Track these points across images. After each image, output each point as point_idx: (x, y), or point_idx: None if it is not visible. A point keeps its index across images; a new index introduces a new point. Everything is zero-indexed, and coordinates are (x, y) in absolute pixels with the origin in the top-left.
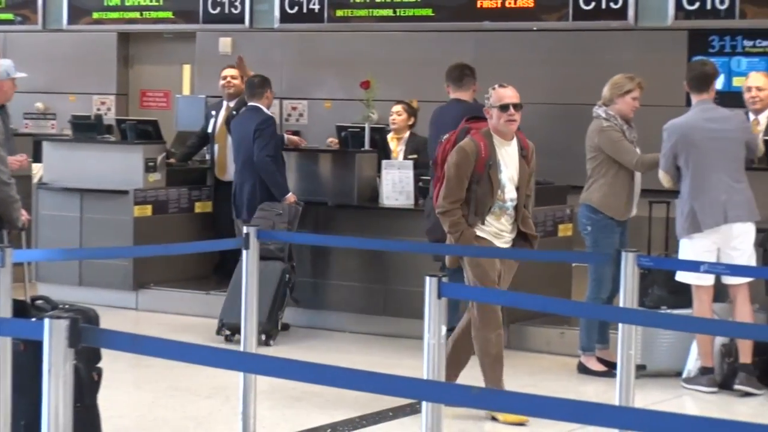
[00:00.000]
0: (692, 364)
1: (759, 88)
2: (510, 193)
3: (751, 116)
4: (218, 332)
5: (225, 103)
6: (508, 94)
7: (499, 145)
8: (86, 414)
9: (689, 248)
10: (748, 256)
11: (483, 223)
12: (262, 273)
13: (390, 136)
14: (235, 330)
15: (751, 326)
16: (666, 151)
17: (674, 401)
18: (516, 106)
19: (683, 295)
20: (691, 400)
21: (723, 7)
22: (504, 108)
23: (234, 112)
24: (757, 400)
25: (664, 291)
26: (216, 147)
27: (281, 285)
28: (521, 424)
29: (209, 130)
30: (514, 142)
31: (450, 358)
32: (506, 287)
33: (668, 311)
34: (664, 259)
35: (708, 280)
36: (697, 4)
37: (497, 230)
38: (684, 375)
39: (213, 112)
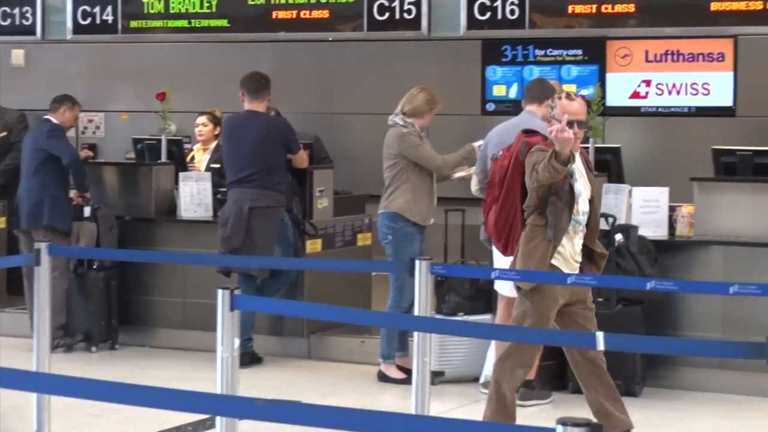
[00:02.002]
0: (489, 370)
1: None
2: (584, 206)
3: None
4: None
5: None
6: (574, 109)
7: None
8: None
9: (498, 255)
10: None
11: (559, 243)
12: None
13: (197, 147)
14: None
15: (542, 332)
16: (479, 154)
17: (471, 407)
18: (580, 124)
19: (480, 301)
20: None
21: (514, 18)
22: (570, 124)
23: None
24: (550, 403)
25: (461, 298)
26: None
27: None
28: None
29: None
30: (577, 154)
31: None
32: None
33: (465, 318)
34: (458, 267)
35: (511, 291)
36: (488, 15)
37: (572, 253)
38: (481, 380)
39: None
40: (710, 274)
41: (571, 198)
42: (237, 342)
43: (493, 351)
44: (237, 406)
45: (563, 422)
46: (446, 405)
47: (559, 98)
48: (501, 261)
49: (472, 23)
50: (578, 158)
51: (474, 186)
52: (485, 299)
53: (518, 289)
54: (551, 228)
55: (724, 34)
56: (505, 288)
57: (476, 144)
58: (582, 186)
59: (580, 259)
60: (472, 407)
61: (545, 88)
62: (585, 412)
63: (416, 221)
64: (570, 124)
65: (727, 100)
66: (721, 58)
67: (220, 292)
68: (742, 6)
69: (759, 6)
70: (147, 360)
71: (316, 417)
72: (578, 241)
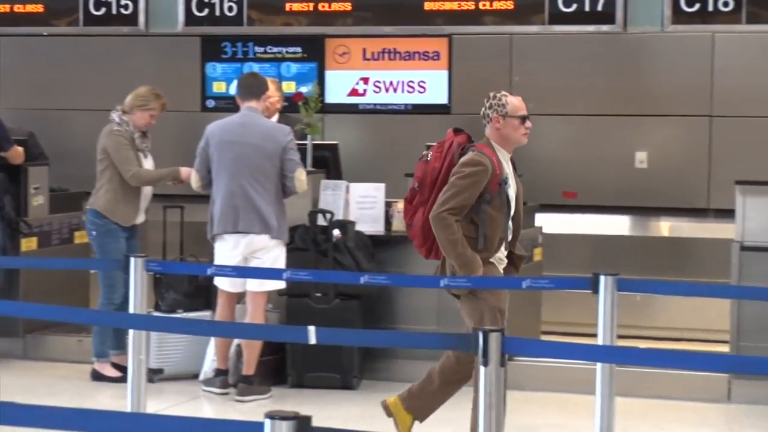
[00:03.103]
0: (208, 366)
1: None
2: (512, 212)
3: None
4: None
5: None
6: (522, 105)
7: (503, 160)
8: None
9: (217, 251)
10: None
11: (491, 255)
12: None
13: None
14: None
15: (260, 327)
16: (199, 151)
17: (190, 404)
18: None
19: (199, 298)
20: (207, 402)
21: (232, 14)
22: (524, 119)
23: None
24: (269, 398)
25: (179, 295)
26: None
27: None
28: None
29: None
30: (508, 156)
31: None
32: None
33: (184, 315)
34: (173, 263)
35: (231, 286)
36: (206, 11)
37: (500, 256)
38: (201, 377)
39: None
40: (426, 269)
41: (507, 206)
42: None
43: (212, 348)
44: None
45: (271, 416)
46: (165, 402)
47: (504, 99)
48: (222, 258)
49: (191, 19)
50: (509, 159)
51: (195, 183)
52: (204, 296)
53: (456, 296)
54: (481, 239)
55: (439, 33)
56: (224, 284)
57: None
58: (513, 194)
59: (504, 261)
60: (192, 404)
61: (261, 82)
62: (306, 406)
63: (117, 222)
64: (524, 119)
65: (442, 98)
66: (436, 57)
67: None
68: (455, 6)
69: (471, 6)
70: None
71: (26, 417)
72: (505, 244)
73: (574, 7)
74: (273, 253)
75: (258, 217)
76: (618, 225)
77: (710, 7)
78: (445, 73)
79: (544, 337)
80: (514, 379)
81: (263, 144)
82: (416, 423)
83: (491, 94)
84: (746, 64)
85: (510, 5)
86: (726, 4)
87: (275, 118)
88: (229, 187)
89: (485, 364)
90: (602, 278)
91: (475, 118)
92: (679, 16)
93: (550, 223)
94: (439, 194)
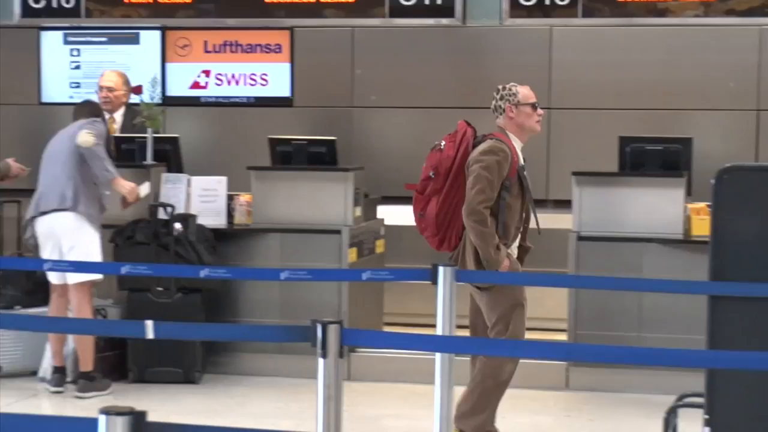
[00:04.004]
0: (47, 363)
1: (110, 89)
2: (528, 200)
3: (107, 115)
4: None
5: None
6: (532, 93)
7: (518, 148)
8: None
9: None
10: (84, 254)
11: (511, 243)
12: None
13: None
14: None
15: (95, 322)
16: None
17: (30, 401)
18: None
19: (38, 294)
20: (47, 400)
21: (69, 6)
22: (535, 106)
23: None
24: (110, 394)
25: (18, 291)
26: None
27: None
28: None
29: None
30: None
31: None
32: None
33: (22, 311)
34: (10, 259)
35: (55, 278)
36: (43, 3)
37: (514, 246)
38: (40, 374)
39: None
40: (269, 261)
41: (523, 194)
42: None
43: (49, 344)
44: None
45: (106, 412)
46: (4, 400)
47: (514, 88)
48: (41, 245)
49: (28, 11)
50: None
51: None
52: (43, 292)
53: (480, 289)
54: (501, 227)
55: (280, 26)
56: (54, 277)
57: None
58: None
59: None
60: (31, 401)
61: (94, 109)
62: (147, 401)
63: None
64: (534, 106)
65: (284, 91)
66: (278, 50)
67: None
68: None
69: None
70: None
71: None
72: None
73: (415, 0)
74: (81, 237)
75: (58, 195)
76: None
77: (547, 1)
78: (287, 66)
79: (387, 329)
80: (357, 371)
81: (70, 138)
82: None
83: (500, 86)
84: (583, 58)
85: None
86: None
87: (121, 111)
88: (41, 177)
89: (324, 356)
90: (441, 269)
91: (317, 111)
92: (517, 10)
93: (392, 215)
94: (467, 186)
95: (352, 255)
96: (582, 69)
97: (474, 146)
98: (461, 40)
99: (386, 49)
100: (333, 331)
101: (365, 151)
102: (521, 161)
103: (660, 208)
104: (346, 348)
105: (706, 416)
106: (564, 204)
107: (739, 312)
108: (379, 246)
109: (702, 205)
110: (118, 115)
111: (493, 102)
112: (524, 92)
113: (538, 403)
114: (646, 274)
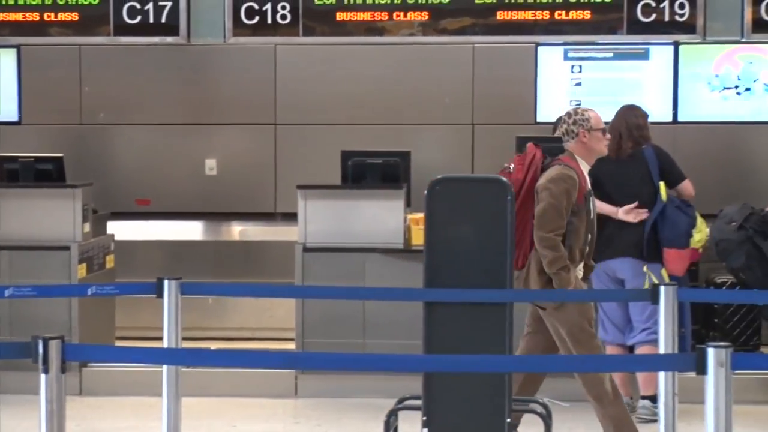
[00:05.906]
0: None
1: None
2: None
3: None
4: None
5: None
6: (600, 117)
7: (585, 171)
8: None
9: None
10: None
11: (576, 265)
12: None
13: None
14: None
15: None
16: None
17: None
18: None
19: None
20: None
21: None
22: (604, 131)
23: None
24: None
25: None
26: None
27: None
28: None
29: None
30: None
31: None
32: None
33: None
34: None
35: None
36: None
37: (580, 267)
38: None
39: None
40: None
41: (588, 219)
42: None
43: None
44: None
45: None
46: None
47: (586, 113)
48: None
49: None
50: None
51: None
52: None
53: (543, 309)
54: (567, 249)
55: (5, 44)
56: None
57: None
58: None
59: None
60: None
61: None
62: None
63: None
64: (603, 131)
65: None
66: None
67: None
68: (20, 17)
69: (36, 17)
70: None
71: None
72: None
73: (139, 18)
74: None
75: None
76: (191, 230)
77: (269, 20)
78: (14, 84)
79: (119, 343)
80: (89, 386)
81: None
82: None
83: (572, 110)
84: (306, 75)
85: (75, 16)
86: (284, 17)
87: None
88: None
89: (46, 371)
90: (166, 282)
91: (45, 129)
92: (240, 28)
93: (123, 230)
94: (536, 212)
95: (81, 271)
96: (306, 86)
97: (543, 169)
98: (187, 58)
99: (113, 66)
100: (54, 346)
101: (95, 168)
102: (588, 186)
103: (381, 219)
104: (69, 363)
105: (424, 417)
106: (291, 217)
107: (451, 317)
108: (110, 261)
109: (421, 215)
110: None
111: (565, 126)
112: (596, 117)
113: (268, 411)
114: (369, 282)
